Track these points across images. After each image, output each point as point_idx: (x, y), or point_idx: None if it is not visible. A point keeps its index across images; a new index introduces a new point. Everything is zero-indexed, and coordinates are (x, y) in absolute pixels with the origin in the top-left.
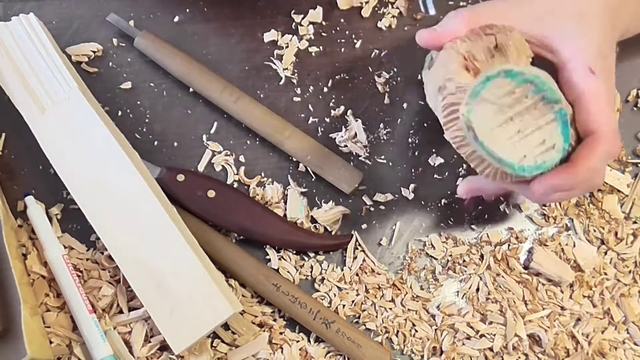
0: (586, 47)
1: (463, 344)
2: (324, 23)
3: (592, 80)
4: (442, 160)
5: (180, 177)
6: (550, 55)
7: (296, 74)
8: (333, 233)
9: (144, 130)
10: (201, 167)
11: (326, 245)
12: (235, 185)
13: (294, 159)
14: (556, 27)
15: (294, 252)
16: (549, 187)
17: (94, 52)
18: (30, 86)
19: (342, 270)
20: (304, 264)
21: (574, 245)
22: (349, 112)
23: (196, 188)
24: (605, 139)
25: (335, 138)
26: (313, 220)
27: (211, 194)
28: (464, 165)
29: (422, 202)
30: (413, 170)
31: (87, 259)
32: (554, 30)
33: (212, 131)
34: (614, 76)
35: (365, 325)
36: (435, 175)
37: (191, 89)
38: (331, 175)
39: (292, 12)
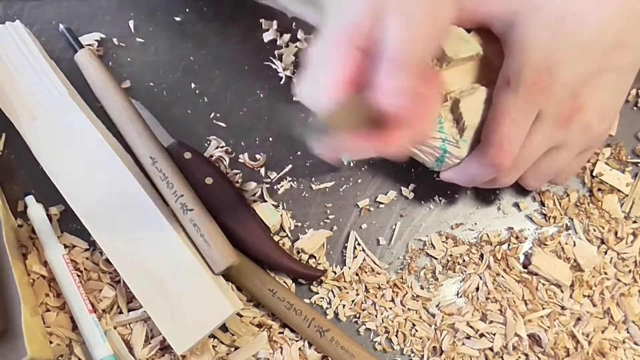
0: (523, 59)
1: (463, 344)
2: None
3: (503, 93)
4: None
5: (187, 155)
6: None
7: (296, 74)
8: (319, 258)
9: None
10: None
11: (296, 272)
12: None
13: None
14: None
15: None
16: (448, 177)
17: None
18: (20, 94)
19: (341, 269)
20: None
21: (574, 245)
22: None
23: (197, 171)
24: (481, 150)
25: None
26: (299, 251)
27: (209, 181)
28: None
29: (422, 202)
30: (413, 170)
31: (87, 259)
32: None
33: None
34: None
35: (365, 325)
36: (435, 176)
37: (193, 86)
38: (201, 249)
39: None
